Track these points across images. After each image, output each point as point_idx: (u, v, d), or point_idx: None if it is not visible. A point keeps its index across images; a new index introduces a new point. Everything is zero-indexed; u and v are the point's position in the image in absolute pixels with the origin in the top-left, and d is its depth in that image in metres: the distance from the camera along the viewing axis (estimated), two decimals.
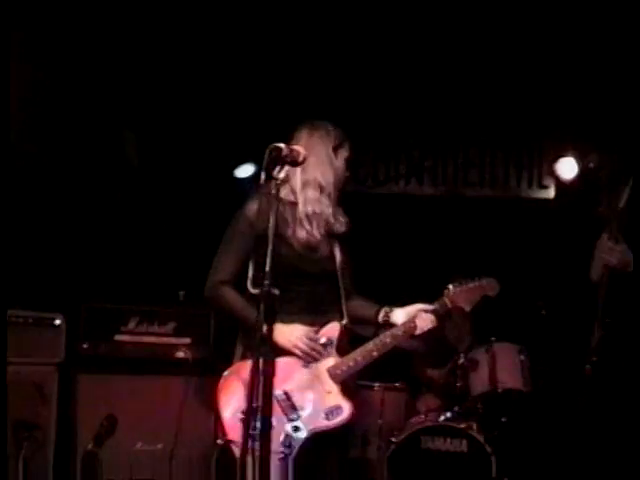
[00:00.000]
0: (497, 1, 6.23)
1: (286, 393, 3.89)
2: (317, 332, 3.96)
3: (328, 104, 6.99)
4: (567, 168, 7.11)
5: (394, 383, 6.43)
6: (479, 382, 6.05)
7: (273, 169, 3.67)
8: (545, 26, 6.33)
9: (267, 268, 3.41)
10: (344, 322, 3.99)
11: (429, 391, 6.53)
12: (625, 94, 6.61)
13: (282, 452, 3.80)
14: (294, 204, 4.12)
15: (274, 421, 3.65)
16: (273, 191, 3.58)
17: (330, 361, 3.93)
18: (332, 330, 3.96)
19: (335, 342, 3.94)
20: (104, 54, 6.32)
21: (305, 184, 4.08)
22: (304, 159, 3.73)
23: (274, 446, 3.67)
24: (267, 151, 3.66)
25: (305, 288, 4.02)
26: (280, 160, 3.64)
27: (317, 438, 3.85)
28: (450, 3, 6.26)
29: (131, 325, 5.93)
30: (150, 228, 6.90)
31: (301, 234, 4.05)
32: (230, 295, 4.05)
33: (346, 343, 4.01)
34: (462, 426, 5.78)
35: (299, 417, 3.88)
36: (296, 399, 3.89)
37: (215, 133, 7.16)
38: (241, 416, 3.74)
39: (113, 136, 6.88)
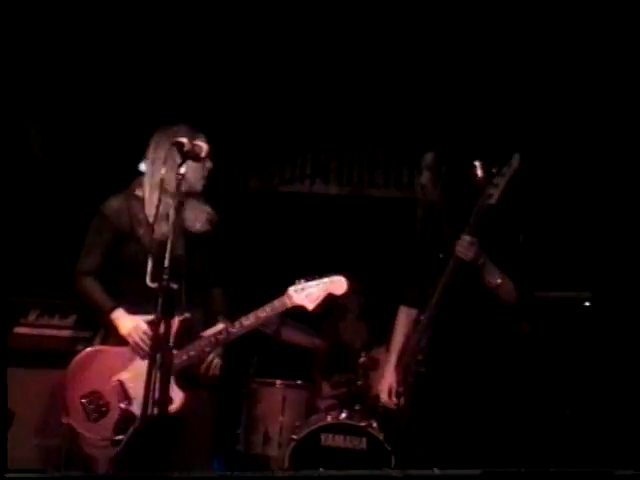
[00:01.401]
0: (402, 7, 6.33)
1: (120, 382, 4.05)
2: (155, 326, 3.99)
3: (233, 101, 7.04)
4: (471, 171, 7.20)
5: (296, 381, 6.50)
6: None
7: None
8: (451, 31, 6.45)
9: (166, 263, 3.49)
10: (183, 317, 4.04)
11: (330, 389, 6.58)
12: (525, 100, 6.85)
13: (113, 439, 3.98)
14: None
15: (109, 406, 4.01)
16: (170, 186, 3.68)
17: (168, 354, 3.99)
18: (171, 324, 4.00)
19: (173, 335, 4.00)
20: (10, 46, 6.22)
21: (151, 187, 4.20)
22: (207, 154, 3.78)
23: (106, 432, 3.97)
24: (169, 146, 3.71)
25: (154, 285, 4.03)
26: (182, 155, 3.68)
27: (157, 426, 3.89)
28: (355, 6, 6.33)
29: (31, 317, 5.85)
30: (53, 220, 6.81)
31: (156, 233, 4.11)
32: (89, 285, 4.23)
33: (186, 336, 4.10)
34: (362, 424, 5.83)
35: (131, 405, 4.01)
36: (129, 388, 4.03)
37: (121, 127, 7.11)
38: (82, 401, 4.04)
39: (19, 128, 6.78)
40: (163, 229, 4.08)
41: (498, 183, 4.01)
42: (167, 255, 3.54)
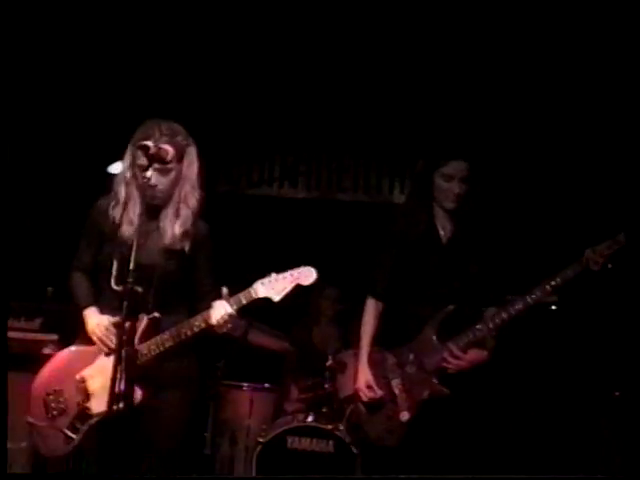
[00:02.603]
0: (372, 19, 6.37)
1: (82, 378, 3.99)
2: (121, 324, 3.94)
3: (201, 102, 7.02)
4: None
5: (263, 384, 6.51)
6: (347, 384, 6.10)
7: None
8: (416, 36, 6.51)
9: (131, 266, 3.47)
10: (152, 316, 3.92)
11: (297, 392, 6.59)
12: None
13: (70, 434, 3.93)
14: None
15: (67, 403, 3.96)
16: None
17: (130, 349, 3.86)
18: (138, 322, 3.91)
19: (139, 333, 3.91)
20: None
21: (119, 188, 4.10)
22: (172, 159, 3.75)
23: (62, 429, 3.93)
24: (135, 149, 3.70)
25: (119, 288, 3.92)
26: (147, 158, 3.67)
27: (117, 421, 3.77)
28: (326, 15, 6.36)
29: None
30: (19, 222, 6.78)
31: (122, 236, 4.03)
32: (75, 280, 4.17)
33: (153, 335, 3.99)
34: (329, 427, 5.84)
35: (89, 401, 3.96)
36: (90, 384, 3.97)
37: (89, 128, 7.09)
38: (45, 397, 4.00)
39: None
40: (127, 233, 3.98)
41: (604, 253, 4.21)
42: (132, 258, 3.53)
